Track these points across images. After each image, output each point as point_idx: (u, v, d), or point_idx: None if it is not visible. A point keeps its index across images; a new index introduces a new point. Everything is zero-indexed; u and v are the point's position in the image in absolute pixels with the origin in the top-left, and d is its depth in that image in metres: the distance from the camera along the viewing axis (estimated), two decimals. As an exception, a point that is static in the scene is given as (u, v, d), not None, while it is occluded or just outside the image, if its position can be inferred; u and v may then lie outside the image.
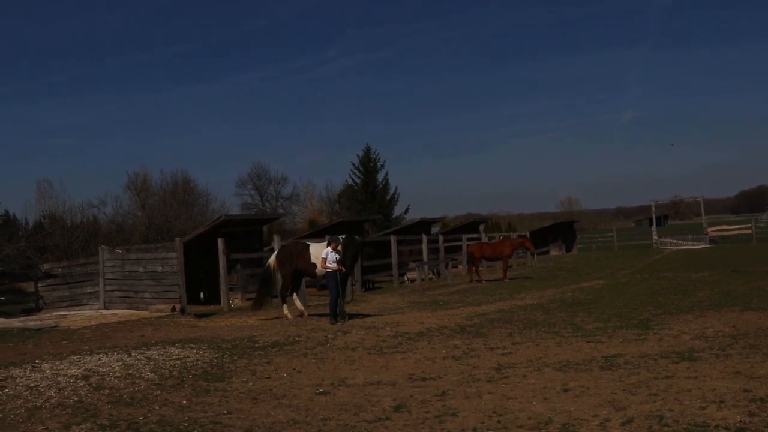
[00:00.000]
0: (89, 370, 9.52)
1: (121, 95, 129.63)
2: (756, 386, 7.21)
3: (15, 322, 17.30)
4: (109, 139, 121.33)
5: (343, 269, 15.08)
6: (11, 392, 8.35)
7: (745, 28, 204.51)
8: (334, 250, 15.00)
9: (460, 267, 32.70)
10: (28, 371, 9.53)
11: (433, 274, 30.49)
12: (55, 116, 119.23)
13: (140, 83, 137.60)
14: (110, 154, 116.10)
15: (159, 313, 18.04)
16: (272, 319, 16.08)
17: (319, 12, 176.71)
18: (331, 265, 14.91)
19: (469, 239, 33.61)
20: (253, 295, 22.17)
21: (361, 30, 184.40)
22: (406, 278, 28.57)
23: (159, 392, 8.31)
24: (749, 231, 53.21)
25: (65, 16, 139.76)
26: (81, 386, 8.63)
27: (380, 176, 57.00)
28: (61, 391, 8.40)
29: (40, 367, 9.83)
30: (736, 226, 60.44)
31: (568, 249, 54.45)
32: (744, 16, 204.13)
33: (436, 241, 31.63)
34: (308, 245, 16.54)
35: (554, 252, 47.45)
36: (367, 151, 57.28)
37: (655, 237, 55.43)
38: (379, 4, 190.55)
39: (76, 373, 9.33)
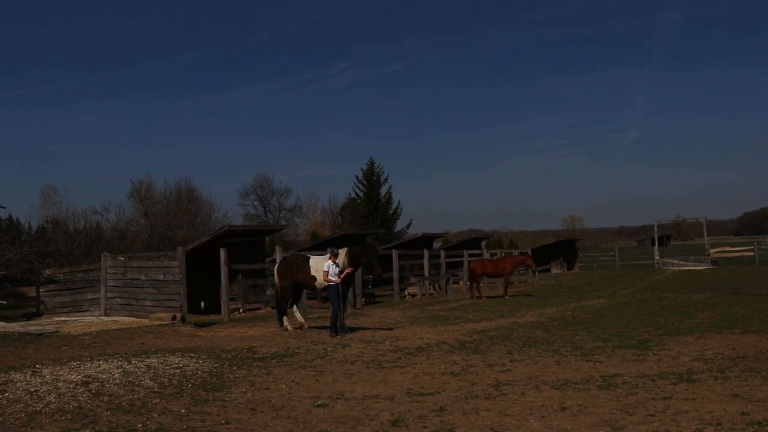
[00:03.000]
0: (89, 377, 9.55)
1: (128, 104, 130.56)
2: (754, 409, 7.22)
3: (16, 327, 17.34)
4: (115, 147, 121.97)
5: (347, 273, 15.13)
6: (11, 396, 8.39)
7: (751, 50, 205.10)
8: (335, 262, 15.05)
9: (461, 283, 32.68)
10: (28, 376, 9.57)
11: (434, 289, 30.47)
12: (62, 123, 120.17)
13: (148, 92, 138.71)
14: (116, 161, 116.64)
15: (159, 322, 18.06)
16: (272, 330, 16.09)
17: (327, 26, 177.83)
18: (333, 278, 14.94)
19: (470, 255, 33.62)
20: (254, 306, 22.29)
21: (368, 45, 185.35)
22: (406, 293, 28.57)
23: (158, 400, 8.34)
24: (752, 253, 53.15)
25: (74, 24, 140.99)
26: (81, 392, 8.66)
27: (383, 190, 57.19)
28: (61, 396, 8.43)
29: (41, 372, 9.86)
30: (739, 248, 60.39)
31: (570, 267, 54.44)
32: (750, 39, 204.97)
33: (438, 257, 31.64)
34: (308, 258, 16.54)
35: (556, 270, 47.43)
36: (371, 164, 57.48)
37: (657, 257, 55.38)
38: (388, 20, 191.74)
39: (76, 379, 9.36)
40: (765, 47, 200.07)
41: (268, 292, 22.64)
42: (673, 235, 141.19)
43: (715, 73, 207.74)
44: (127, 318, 19.70)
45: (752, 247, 55.67)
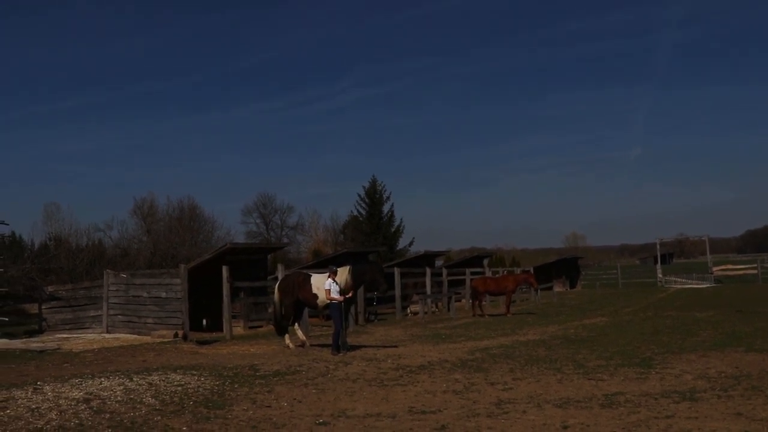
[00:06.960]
0: (91, 394, 9.55)
1: (131, 122, 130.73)
2: (757, 428, 7.19)
3: (18, 344, 17.35)
4: (118, 165, 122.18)
5: (349, 295, 15.18)
6: (13, 413, 8.38)
7: (753, 67, 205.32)
8: (334, 280, 15.05)
9: (464, 301, 32.63)
10: (29, 393, 9.57)
11: (436, 307, 30.41)
12: (65, 142, 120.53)
13: (151, 111, 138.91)
14: (119, 180, 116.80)
15: (161, 339, 18.06)
16: (274, 348, 16.07)
17: (329, 45, 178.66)
18: (335, 296, 14.94)
19: (472, 273, 33.58)
20: (256, 324, 22.26)
21: (369, 64, 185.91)
22: (409, 311, 28.52)
23: (159, 418, 8.33)
24: (755, 271, 53.01)
25: (77, 44, 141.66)
26: (82, 409, 8.65)
27: (386, 208, 57.18)
28: (63, 413, 8.43)
29: (42, 389, 9.86)
30: (742, 266, 60.31)
31: (572, 285, 54.32)
32: (752, 56, 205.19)
33: (440, 275, 31.60)
34: (310, 276, 16.54)
35: (558, 288, 47.34)
36: (373, 182, 57.54)
37: (660, 275, 55.27)
38: (389, 39, 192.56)
39: (77, 396, 9.36)
40: (766, 65, 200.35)
41: (270, 310, 22.62)
42: (675, 253, 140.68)
43: (716, 91, 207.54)
44: (129, 335, 19.70)
45: (755, 265, 55.51)
